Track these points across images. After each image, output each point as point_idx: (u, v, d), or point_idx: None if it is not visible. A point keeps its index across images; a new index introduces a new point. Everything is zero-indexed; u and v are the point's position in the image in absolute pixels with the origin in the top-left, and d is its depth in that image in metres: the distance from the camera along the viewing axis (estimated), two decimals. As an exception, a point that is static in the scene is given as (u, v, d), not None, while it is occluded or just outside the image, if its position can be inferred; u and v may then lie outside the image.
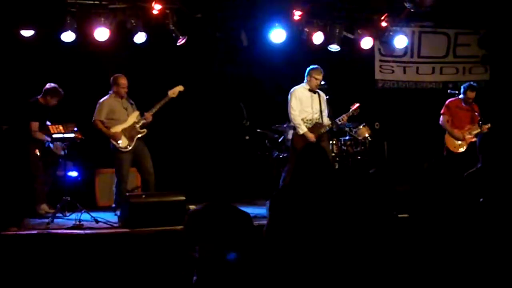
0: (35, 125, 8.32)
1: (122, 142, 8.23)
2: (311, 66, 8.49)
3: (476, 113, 9.39)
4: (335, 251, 4.14)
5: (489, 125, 9.23)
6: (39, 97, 8.49)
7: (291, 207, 4.28)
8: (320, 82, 8.41)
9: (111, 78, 8.45)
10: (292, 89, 8.49)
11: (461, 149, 9.32)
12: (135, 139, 8.32)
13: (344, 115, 8.56)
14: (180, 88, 8.58)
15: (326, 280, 4.09)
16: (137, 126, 8.38)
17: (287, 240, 4.22)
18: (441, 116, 9.49)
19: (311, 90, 8.44)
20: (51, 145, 8.41)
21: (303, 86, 8.49)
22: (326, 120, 8.46)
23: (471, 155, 9.13)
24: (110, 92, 8.45)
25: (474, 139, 9.25)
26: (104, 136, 8.32)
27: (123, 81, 8.40)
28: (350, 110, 8.65)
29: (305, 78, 8.49)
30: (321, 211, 4.23)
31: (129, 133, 8.30)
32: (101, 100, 8.38)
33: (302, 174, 4.41)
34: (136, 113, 8.48)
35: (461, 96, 9.51)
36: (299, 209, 4.24)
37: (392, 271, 4.26)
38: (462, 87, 9.56)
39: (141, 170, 8.46)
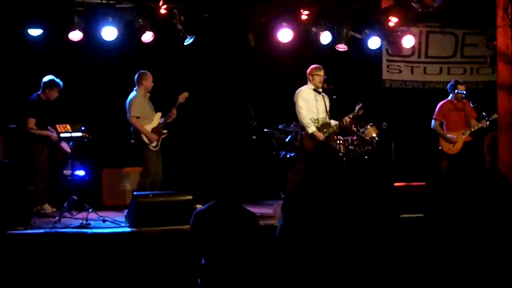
0: (31, 121, 8.35)
1: (154, 142, 8.32)
2: (310, 67, 8.53)
3: (469, 111, 9.32)
4: (350, 250, 4.14)
5: (494, 117, 9.16)
6: (39, 93, 8.53)
7: (306, 207, 4.27)
8: (323, 77, 8.44)
9: (138, 75, 8.41)
10: (297, 90, 8.49)
11: (456, 150, 9.26)
12: (160, 139, 8.44)
13: (346, 117, 8.57)
14: (185, 94, 8.61)
15: (342, 280, 4.08)
16: (161, 127, 8.50)
17: (302, 239, 4.21)
18: (433, 121, 9.40)
19: (315, 90, 8.46)
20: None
21: (307, 87, 8.51)
22: (333, 121, 8.48)
23: (467, 154, 9.14)
24: (135, 89, 8.41)
25: (469, 139, 9.23)
26: (131, 131, 8.35)
27: (150, 76, 8.46)
28: (355, 110, 8.66)
29: (308, 79, 8.51)
30: (335, 210, 4.23)
31: (156, 133, 8.38)
32: (132, 98, 8.34)
33: (314, 174, 4.41)
34: (159, 114, 8.55)
35: (450, 96, 9.46)
36: (313, 208, 4.24)
37: (399, 272, 4.25)
38: (449, 86, 9.47)
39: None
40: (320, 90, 8.48)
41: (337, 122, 8.45)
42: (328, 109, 8.48)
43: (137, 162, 8.79)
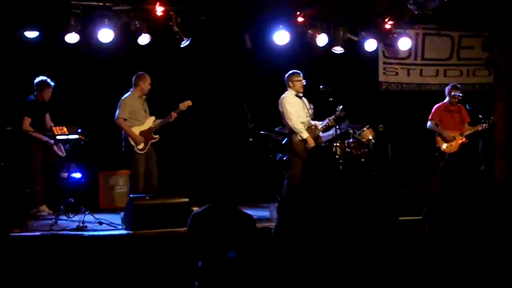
0: (26, 120, 8.35)
1: (141, 145, 8.31)
2: (288, 73, 8.57)
3: (463, 115, 9.49)
4: (344, 252, 4.14)
5: (492, 120, 9.19)
6: (35, 94, 8.54)
7: (301, 209, 4.28)
8: (302, 82, 8.48)
9: (135, 76, 8.50)
10: (282, 97, 8.52)
11: (452, 150, 9.32)
12: (149, 143, 8.44)
13: (328, 119, 8.59)
14: (188, 102, 8.65)
15: (336, 282, 4.08)
16: (152, 130, 8.51)
17: (297, 242, 4.21)
18: (429, 121, 9.57)
19: (297, 95, 8.50)
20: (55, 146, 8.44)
21: (290, 93, 8.54)
22: (317, 122, 8.56)
23: (464, 157, 9.18)
24: (131, 90, 8.50)
25: (465, 141, 9.28)
26: (122, 135, 8.41)
27: (149, 78, 8.50)
28: (337, 112, 8.65)
29: (287, 86, 8.54)
30: (331, 213, 4.23)
31: (145, 136, 8.40)
32: (124, 98, 8.42)
33: (310, 176, 4.41)
34: (152, 118, 8.58)
35: (446, 99, 9.56)
36: (309, 211, 4.24)
37: (395, 272, 4.26)
38: (446, 89, 9.63)
39: (146, 173, 8.45)
40: (301, 95, 8.53)
41: (322, 124, 8.52)
42: (310, 112, 8.58)
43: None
